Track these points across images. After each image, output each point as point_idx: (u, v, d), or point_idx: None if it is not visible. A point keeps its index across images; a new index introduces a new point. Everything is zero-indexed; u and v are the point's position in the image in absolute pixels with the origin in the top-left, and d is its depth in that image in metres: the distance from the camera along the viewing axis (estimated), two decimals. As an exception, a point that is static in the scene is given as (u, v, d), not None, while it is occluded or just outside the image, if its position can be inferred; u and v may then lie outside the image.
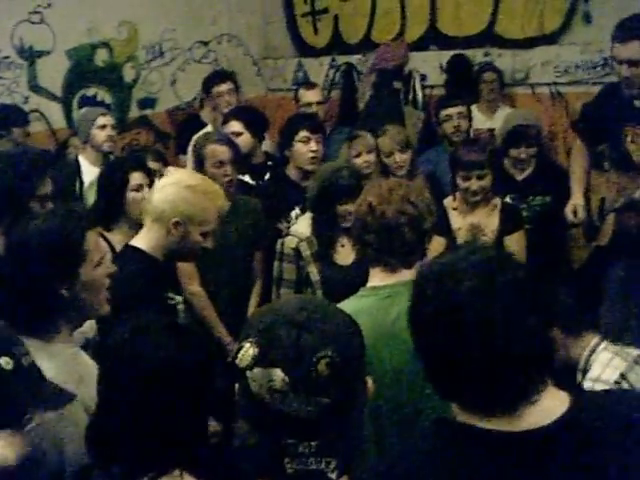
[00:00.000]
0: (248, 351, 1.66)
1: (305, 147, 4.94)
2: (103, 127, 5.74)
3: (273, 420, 1.62)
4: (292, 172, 5.09)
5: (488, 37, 7.33)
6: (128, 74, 7.81)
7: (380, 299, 2.75)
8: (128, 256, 3.43)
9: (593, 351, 3.32)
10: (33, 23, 6.95)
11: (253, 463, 1.71)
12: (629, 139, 4.30)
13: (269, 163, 5.69)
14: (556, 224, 4.82)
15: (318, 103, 6.13)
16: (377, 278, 2.83)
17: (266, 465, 1.66)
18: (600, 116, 4.48)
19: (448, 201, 4.64)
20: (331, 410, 1.63)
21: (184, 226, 3.35)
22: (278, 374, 1.61)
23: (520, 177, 5.16)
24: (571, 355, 3.33)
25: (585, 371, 3.26)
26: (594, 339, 3.35)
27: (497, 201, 4.56)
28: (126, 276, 3.04)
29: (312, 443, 1.63)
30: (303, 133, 4.96)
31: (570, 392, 1.65)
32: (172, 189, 3.37)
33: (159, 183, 3.45)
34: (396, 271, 2.80)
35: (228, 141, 4.87)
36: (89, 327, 3.11)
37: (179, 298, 3.50)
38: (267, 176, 5.52)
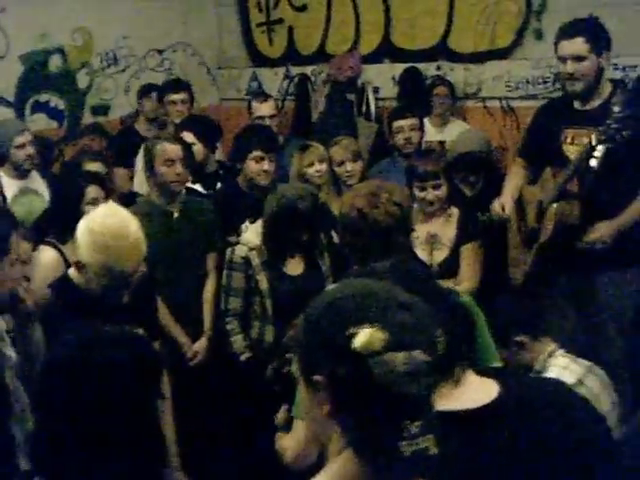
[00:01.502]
0: (376, 336, 1.55)
1: (258, 165, 4.94)
2: (22, 146, 5.53)
3: (392, 403, 1.54)
4: (243, 182, 5.09)
5: (441, 51, 7.40)
6: (82, 80, 7.77)
7: None
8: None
9: (550, 356, 3.41)
10: (-14, 27, 6.92)
11: (367, 450, 1.61)
12: (568, 140, 4.37)
13: (221, 172, 5.68)
14: (503, 239, 4.89)
15: (271, 116, 6.11)
16: None
17: (382, 450, 1.58)
18: (540, 138, 4.56)
19: None
20: (436, 387, 1.63)
21: (85, 269, 3.26)
22: (420, 356, 1.55)
23: (470, 193, 5.22)
24: (528, 358, 3.41)
25: (540, 374, 3.33)
26: (551, 345, 3.43)
27: (454, 210, 4.60)
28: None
29: (419, 422, 1.56)
30: (257, 152, 4.94)
31: (498, 380, 1.81)
32: (81, 225, 3.28)
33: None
34: None
35: (180, 140, 4.88)
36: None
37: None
38: (219, 185, 5.52)
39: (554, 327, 4.27)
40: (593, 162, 4.17)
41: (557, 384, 2.01)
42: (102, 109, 7.91)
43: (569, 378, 3.25)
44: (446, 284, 3.90)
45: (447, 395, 1.75)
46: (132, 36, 8.04)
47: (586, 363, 3.41)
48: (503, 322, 3.41)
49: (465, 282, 4.35)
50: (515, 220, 4.65)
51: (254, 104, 6.22)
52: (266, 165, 4.94)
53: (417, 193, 4.52)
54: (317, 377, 1.58)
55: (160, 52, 8.38)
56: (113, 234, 3.16)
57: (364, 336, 1.54)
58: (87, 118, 7.80)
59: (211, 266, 4.81)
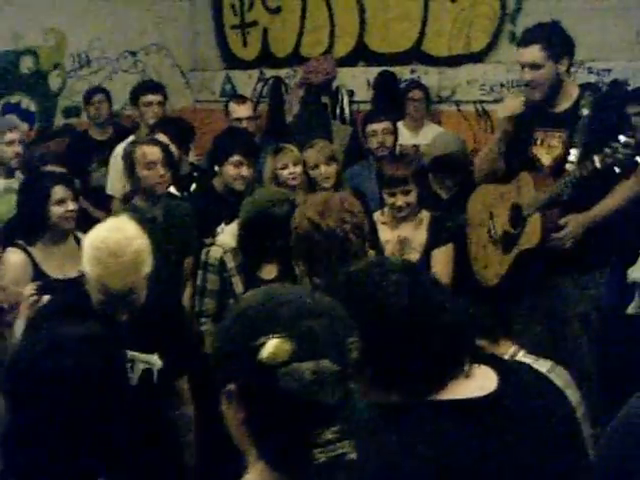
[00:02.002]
0: (282, 346, 1.55)
1: (236, 170, 4.92)
2: (11, 143, 5.45)
3: (302, 412, 1.55)
4: (219, 185, 5.06)
5: (415, 54, 7.42)
6: (54, 82, 7.73)
7: None
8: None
9: (512, 357, 3.41)
10: (-44, 28, 6.86)
11: (280, 459, 1.62)
12: (538, 142, 4.38)
13: (195, 174, 5.65)
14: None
15: (249, 118, 6.09)
16: None
17: (295, 459, 1.58)
18: (511, 139, 4.57)
19: (377, 215, 4.67)
20: (353, 393, 1.62)
21: (87, 281, 3.20)
22: (328, 365, 1.55)
23: (446, 195, 5.22)
24: None
25: None
26: (511, 347, 3.43)
27: (425, 215, 4.60)
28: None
29: (335, 428, 1.57)
30: (235, 157, 4.92)
31: (497, 369, 1.87)
32: (88, 235, 3.23)
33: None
34: None
35: (158, 142, 4.85)
36: None
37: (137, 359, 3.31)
38: (193, 187, 5.48)
39: (520, 329, 4.30)
40: (568, 166, 4.18)
41: (537, 372, 2.11)
42: (74, 111, 7.86)
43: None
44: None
45: (458, 385, 1.81)
46: (105, 38, 8.01)
47: (548, 363, 3.43)
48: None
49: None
50: (486, 219, 4.63)
51: (232, 106, 6.20)
52: (244, 171, 4.92)
53: (386, 198, 4.52)
54: (230, 386, 1.60)
55: (133, 54, 8.35)
56: (110, 250, 3.06)
57: (270, 347, 1.54)
58: (59, 120, 7.74)
59: (188, 270, 4.78)
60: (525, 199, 4.34)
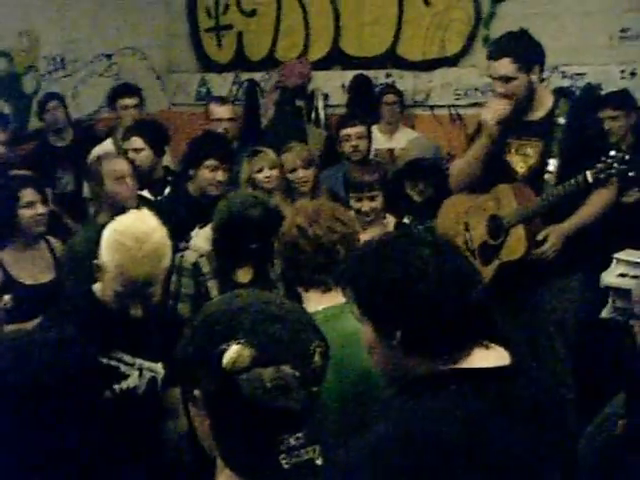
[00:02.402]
0: (242, 353, 1.56)
1: (211, 175, 4.90)
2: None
3: (268, 419, 1.56)
4: (194, 189, 5.04)
5: (390, 58, 7.44)
6: (28, 84, 7.67)
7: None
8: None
9: None
10: None
11: (245, 466, 1.62)
12: (513, 151, 4.39)
13: (169, 178, 5.63)
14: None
15: (230, 119, 6.09)
16: (313, 302, 2.79)
17: (260, 466, 1.59)
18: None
19: None
20: (317, 398, 1.63)
21: (101, 272, 3.04)
22: (288, 371, 1.56)
23: (419, 199, 5.23)
24: None
25: None
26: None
27: (390, 220, 4.60)
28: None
29: (300, 434, 1.59)
30: (211, 162, 4.90)
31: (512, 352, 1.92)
32: (108, 225, 3.07)
33: None
34: (331, 291, 2.79)
35: (123, 155, 4.83)
36: None
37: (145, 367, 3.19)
38: (167, 191, 5.46)
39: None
40: (547, 176, 4.19)
41: None
42: (49, 114, 7.80)
43: None
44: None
45: (478, 355, 1.85)
46: (80, 40, 7.96)
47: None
48: None
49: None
50: (461, 230, 4.62)
51: (212, 106, 6.20)
52: (220, 175, 4.90)
53: (353, 203, 4.53)
54: (196, 392, 1.61)
55: (108, 57, 8.30)
56: (133, 235, 2.96)
57: (231, 353, 1.56)
58: (33, 123, 7.69)
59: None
60: (505, 210, 4.33)
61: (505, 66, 4.22)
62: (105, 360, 2.95)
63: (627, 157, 3.97)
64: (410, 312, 1.82)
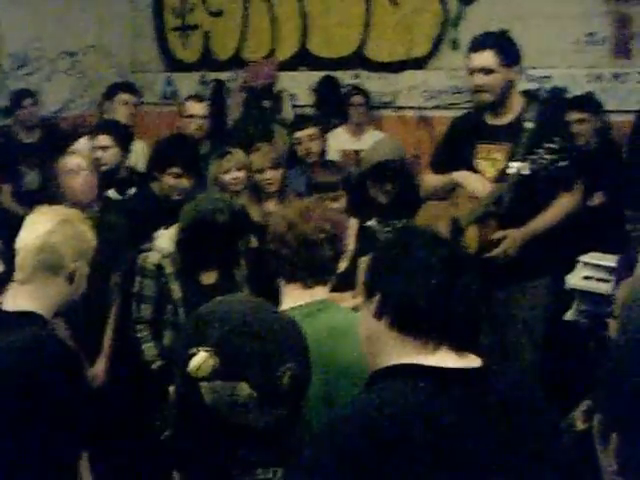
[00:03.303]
0: (207, 361, 1.55)
1: (175, 181, 4.85)
2: None
3: (226, 432, 1.55)
4: (158, 190, 4.99)
5: (357, 60, 7.44)
6: (-9, 82, 7.58)
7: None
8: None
9: None
10: None
11: (196, 476, 1.60)
12: (480, 155, 4.40)
13: (133, 177, 5.57)
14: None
15: (203, 117, 6.07)
16: (291, 298, 2.78)
17: (212, 478, 1.58)
18: (452, 151, 4.57)
19: None
20: (285, 421, 1.60)
21: (83, 265, 2.81)
22: (245, 388, 1.54)
23: (385, 201, 5.21)
24: None
25: None
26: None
27: (353, 222, 4.57)
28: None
29: (263, 454, 1.56)
30: (175, 169, 4.84)
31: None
32: (64, 228, 2.76)
33: (36, 227, 2.76)
34: (311, 287, 2.78)
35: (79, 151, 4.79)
36: None
37: None
38: (132, 191, 5.40)
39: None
40: (509, 179, 4.20)
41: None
42: (11, 112, 7.69)
43: None
44: (344, 296, 3.92)
45: (447, 356, 1.78)
46: (44, 38, 7.89)
47: None
48: None
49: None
50: None
51: (187, 103, 6.17)
52: (184, 182, 4.84)
53: None
54: (170, 388, 1.64)
55: (72, 55, 8.22)
56: (81, 217, 2.87)
57: (197, 359, 1.55)
58: (-4, 121, 7.60)
59: (114, 286, 4.66)
60: (462, 210, 4.36)
61: (486, 58, 4.25)
62: None
63: (557, 147, 4.02)
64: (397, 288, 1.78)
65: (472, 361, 1.79)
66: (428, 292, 1.75)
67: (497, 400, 1.77)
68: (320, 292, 2.79)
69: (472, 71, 4.33)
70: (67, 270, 2.70)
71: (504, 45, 4.31)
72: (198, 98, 6.40)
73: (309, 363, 1.70)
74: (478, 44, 4.32)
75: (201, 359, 1.55)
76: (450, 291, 1.77)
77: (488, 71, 4.26)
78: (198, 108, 6.10)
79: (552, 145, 4.04)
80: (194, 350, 1.56)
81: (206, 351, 1.56)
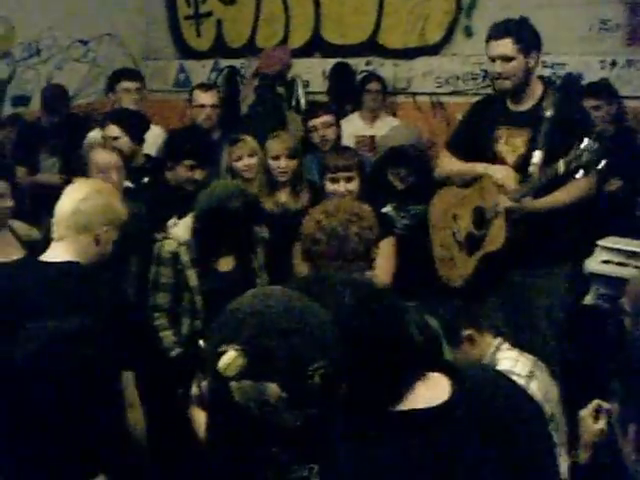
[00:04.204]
0: (235, 361, 1.52)
1: (188, 173, 4.84)
2: None
3: (256, 430, 1.52)
4: (173, 179, 4.99)
5: (371, 46, 7.42)
6: (2, 71, 7.58)
7: None
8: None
9: (498, 349, 3.42)
10: None
11: (227, 473, 1.59)
12: (502, 141, 4.39)
13: (148, 166, 5.56)
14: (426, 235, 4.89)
15: (213, 106, 6.02)
16: None
17: (243, 474, 1.57)
18: (473, 133, 4.56)
19: None
20: (317, 419, 1.56)
21: (110, 232, 3.38)
22: (274, 389, 1.51)
23: (401, 186, 5.20)
24: (476, 353, 3.41)
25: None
26: (496, 338, 3.44)
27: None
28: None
29: (295, 451, 1.55)
30: (188, 162, 4.84)
31: (453, 378, 1.78)
32: (96, 197, 3.35)
33: (72, 195, 3.35)
34: None
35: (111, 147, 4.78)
36: None
37: None
38: (146, 180, 5.40)
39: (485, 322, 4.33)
40: (531, 168, 4.18)
41: (504, 378, 1.99)
42: (23, 100, 7.72)
43: (522, 370, 3.27)
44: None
45: (411, 395, 1.73)
46: (56, 26, 7.88)
47: (530, 356, 3.44)
48: (450, 319, 3.42)
49: (381, 277, 4.29)
50: (449, 221, 4.63)
51: (196, 92, 6.11)
52: (197, 174, 4.84)
53: (328, 186, 4.47)
54: (194, 389, 1.61)
55: (85, 43, 8.22)
56: (112, 191, 3.52)
57: (226, 358, 1.53)
58: (7, 109, 7.60)
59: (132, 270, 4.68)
60: (488, 202, 4.34)
61: (506, 45, 4.26)
62: None
63: (596, 146, 3.97)
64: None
65: (438, 390, 1.74)
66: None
67: (464, 435, 1.70)
68: None
69: (492, 58, 4.33)
70: (94, 232, 3.28)
71: (523, 32, 4.30)
72: (205, 87, 6.32)
73: (345, 358, 1.64)
74: (498, 32, 4.32)
75: (229, 358, 1.52)
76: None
77: (508, 58, 4.27)
78: (205, 97, 6.04)
79: (592, 144, 3.98)
80: (224, 348, 1.54)
81: (235, 350, 1.53)
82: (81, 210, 3.28)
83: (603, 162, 4.00)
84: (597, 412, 2.82)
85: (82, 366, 1.95)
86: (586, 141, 3.97)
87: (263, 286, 3.21)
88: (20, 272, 3.19)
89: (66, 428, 1.91)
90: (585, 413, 2.85)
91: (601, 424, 2.78)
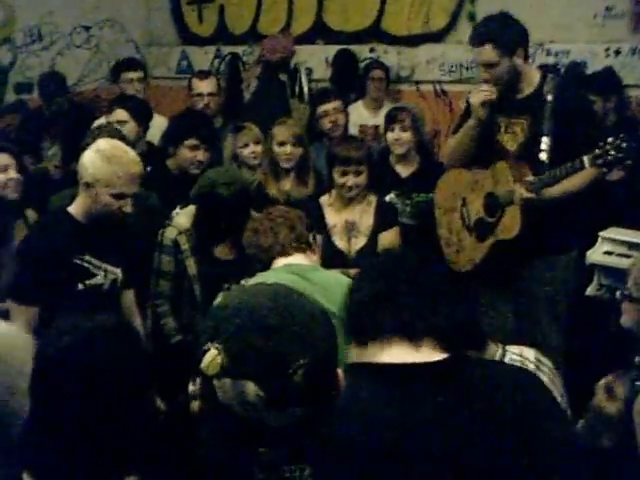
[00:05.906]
0: (216, 359, 1.51)
1: (192, 154, 4.82)
2: None
3: (243, 429, 1.51)
4: (174, 167, 4.97)
5: (374, 33, 7.38)
6: (4, 57, 7.56)
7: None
8: (51, 217, 3.88)
9: (501, 359, 3.41)
10: None
11: (218, 471, 1.58)
12: (502, 130, 4.38)
13: (149, 154, 5.54)
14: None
15: (211, 94, 5.98)
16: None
17: (233, 474, 1.55)
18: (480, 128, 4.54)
19: (324, 199, 4.62)
20: (304, 419, 1.54)
21: (93, 188, 3.56)
22: (251, 388, 1.48)
23: (405, 174, 5.20)
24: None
25: None
26: (498, 348, 3.43)
27: (372, 198, 4.56)
28: (38, 232, 3.77)
29: (284, 451, 1.53)
30: (192, 141, 4.83)
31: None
32: (86, 154, 3.62)
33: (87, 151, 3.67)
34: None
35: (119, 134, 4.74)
36: None
37: (108, 269, 3.77)
38: (148, 168, 5.38)
39: (487, 310, 4.32)
40: (543, 155, 4.16)
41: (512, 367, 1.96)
42: (25, 87, 7.69)
43: (529, 355, 3.26)
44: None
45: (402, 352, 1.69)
46: (58, 12, 7.84)
47: (532, 352, 3.42)
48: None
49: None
50: (458, 205, 4.61)
51: (194, 81, 6.09)
52: (200, 155, 4.82)
53: (337, 178, 4.47)
54: (190, 386, 1.64)
55: (87, 29, 8.18)
56: (118, 146, 3.72)
57: (208, 356, 1.53)
58: (10, 96, 7.58)
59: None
60: (502, 188, 4.33)
61: (487, 53, 4.22)
62: (79, 261, 3.64)
63: (624, 145, 3.93)
64: None
65: (430, 355, 1.68)
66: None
67: (465, 393, 1.66)
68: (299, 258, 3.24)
69: (478, 65, 4.32)
70: (87, 186, 3.58)
71: (505, 33, 4.22)
72: (204, 75, 6.27)
73: (333, 354, 1.63)
74: (477, 38, 4.28)
75: (211, 356, 1.51)
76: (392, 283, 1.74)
77: (491, 65, 4.24)
78: (203, 85, 6.01)
79: (619, 142, 3.95)
80: (207, 346, 1.53)
81: (215, 348, 1.52)
82: (81, 164, 3.65)
83: (629, 162, 3.98)
84: (609, 390, 2.80)
85: (119, 362, 1.93)
86: (611, 139, 3.95)
87: (261, 275, 3.22)
88: None
89: (101, 426, 1.89)
90: (598, 391, 2.83)
91: (616, 402, 2.76)
